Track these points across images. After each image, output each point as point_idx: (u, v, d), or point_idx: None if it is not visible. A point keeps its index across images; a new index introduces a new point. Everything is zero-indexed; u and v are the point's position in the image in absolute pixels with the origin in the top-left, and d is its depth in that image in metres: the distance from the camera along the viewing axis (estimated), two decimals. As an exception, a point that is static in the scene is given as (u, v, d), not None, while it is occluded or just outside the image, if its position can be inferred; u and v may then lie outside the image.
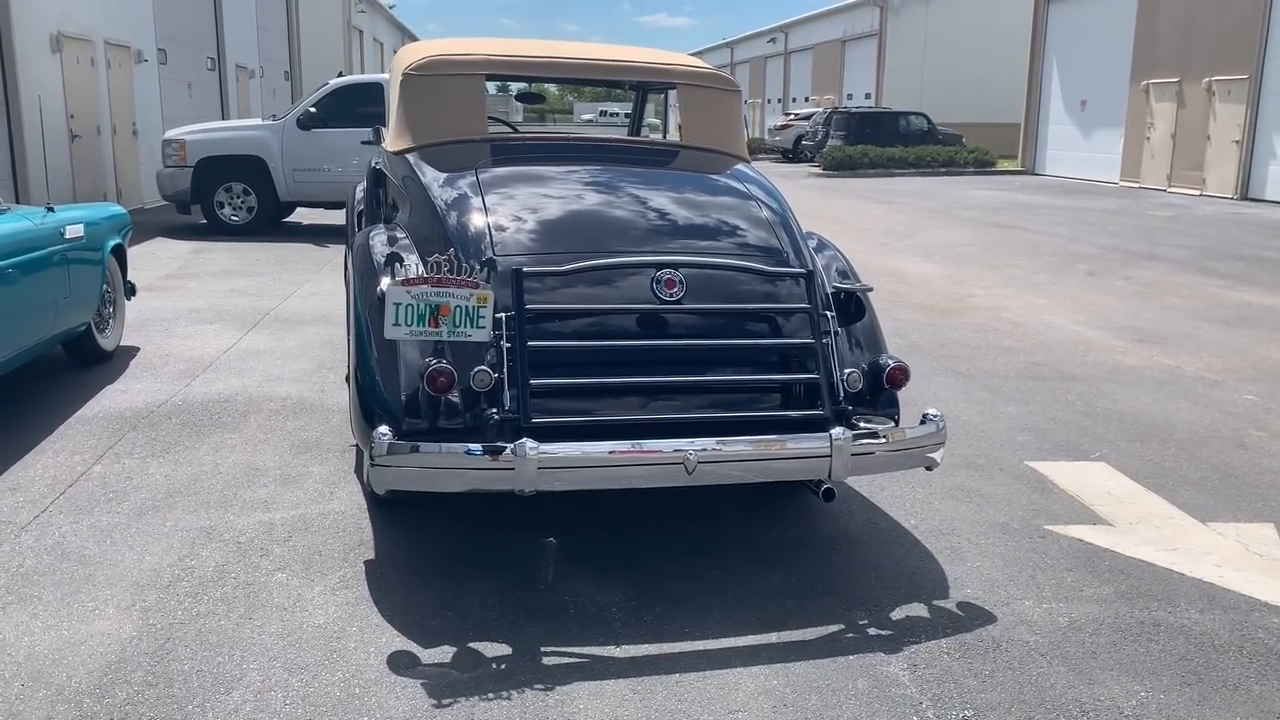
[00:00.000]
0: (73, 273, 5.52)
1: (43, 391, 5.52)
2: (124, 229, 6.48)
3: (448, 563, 3.58)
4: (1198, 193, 20.38)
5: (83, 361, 6.02)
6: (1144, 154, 22.37)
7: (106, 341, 6.18)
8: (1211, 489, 4.45)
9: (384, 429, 3.09)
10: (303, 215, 13.63)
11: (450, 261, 3.18)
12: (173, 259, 10.45)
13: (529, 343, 3.24)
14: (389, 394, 3.27)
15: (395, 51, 7.27)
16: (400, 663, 2.94)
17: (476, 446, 3.08)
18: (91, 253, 5.83)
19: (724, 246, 3.79)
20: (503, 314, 3.25)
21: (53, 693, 2.76)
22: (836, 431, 3.25)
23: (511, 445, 3.04)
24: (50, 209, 5.60)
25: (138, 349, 6.53)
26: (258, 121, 13.89)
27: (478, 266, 3.30)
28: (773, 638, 3.13)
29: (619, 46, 5.36)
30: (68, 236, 5.48)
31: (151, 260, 10.20)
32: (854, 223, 15.01)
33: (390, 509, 3.95)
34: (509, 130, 5.85)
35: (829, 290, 3.72)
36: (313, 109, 12.23)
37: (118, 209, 6.63)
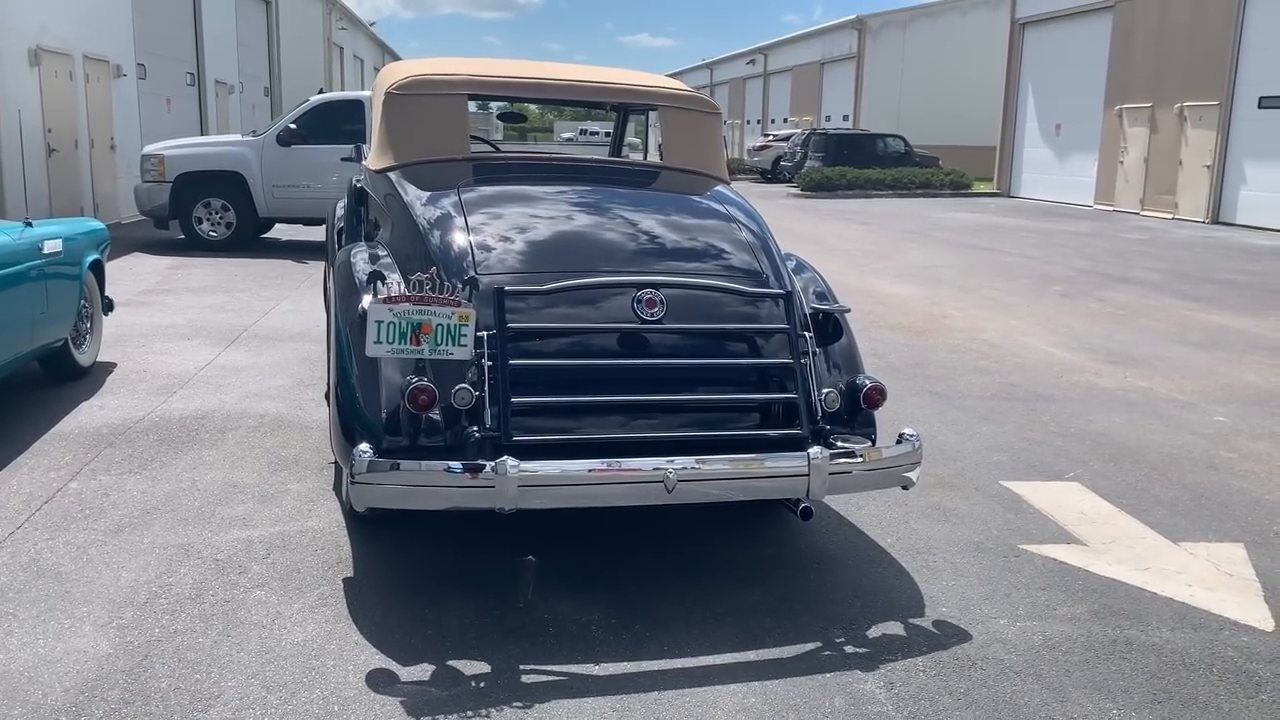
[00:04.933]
0: (50, 288, 5.49)
1: (18, 407, 5.49)
2: (102, 244, 6.46)
3: (427, 581, 3.58)
4: (1170, 216, 20.65)
5: (59, 377, 5.98)
6: (1118, 178, 22.66)
7: (83, 357, 6.15)
8: (1183, 509, 4.51)
9: (364, 446, 3.09)
10: (282, 231, 13.60)
11: (432, 280, 3.19)
12: (151, 274, 10.40)
13: (510, 361, 3.26)
14: (369, 411, 3.28)
15: (376, 69, 7.28)
16: (379, 681, 2.94)
17: (457, 464, 3.09)
18: (69, 268, 5.81)
19: (704, 267, 3.83)
20: (484, 332, 3.27)
21: (28, 710, 2.74)
22: (814, 451, 3.28)
23: (492, 463, 3.05)
24: (28, 224, 5.58)
25: (115, 365, 6.50)
26: (237, 137, 13.87)
27: (460, 285, 3.32)
28: (751, 655, 3.15)
29: (600, 68, 5.41)
30: (45, 251, 5.46)
31: (129, 276, 10.14)
32: (832, 244, 15.12)
33: (370, 527, 3.94)
34: (491, 149, 5.88)
35: (807, 311, 3.76)
36: (293, 125, 12.23)
37: (95, 224, 6.61)
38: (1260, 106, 18.89)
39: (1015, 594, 3.63)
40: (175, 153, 12.38)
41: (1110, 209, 22.56)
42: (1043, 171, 25.99)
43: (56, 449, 4.85)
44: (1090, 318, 9.32)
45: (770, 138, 37.10)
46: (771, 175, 32.96)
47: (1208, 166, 19.93)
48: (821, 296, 3.97)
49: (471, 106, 5.12)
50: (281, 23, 27.84)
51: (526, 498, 3.09)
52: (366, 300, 3.32)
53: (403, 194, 4.16)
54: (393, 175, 4.38)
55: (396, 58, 45.74)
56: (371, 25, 45.64)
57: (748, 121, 51.14)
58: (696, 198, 4.46)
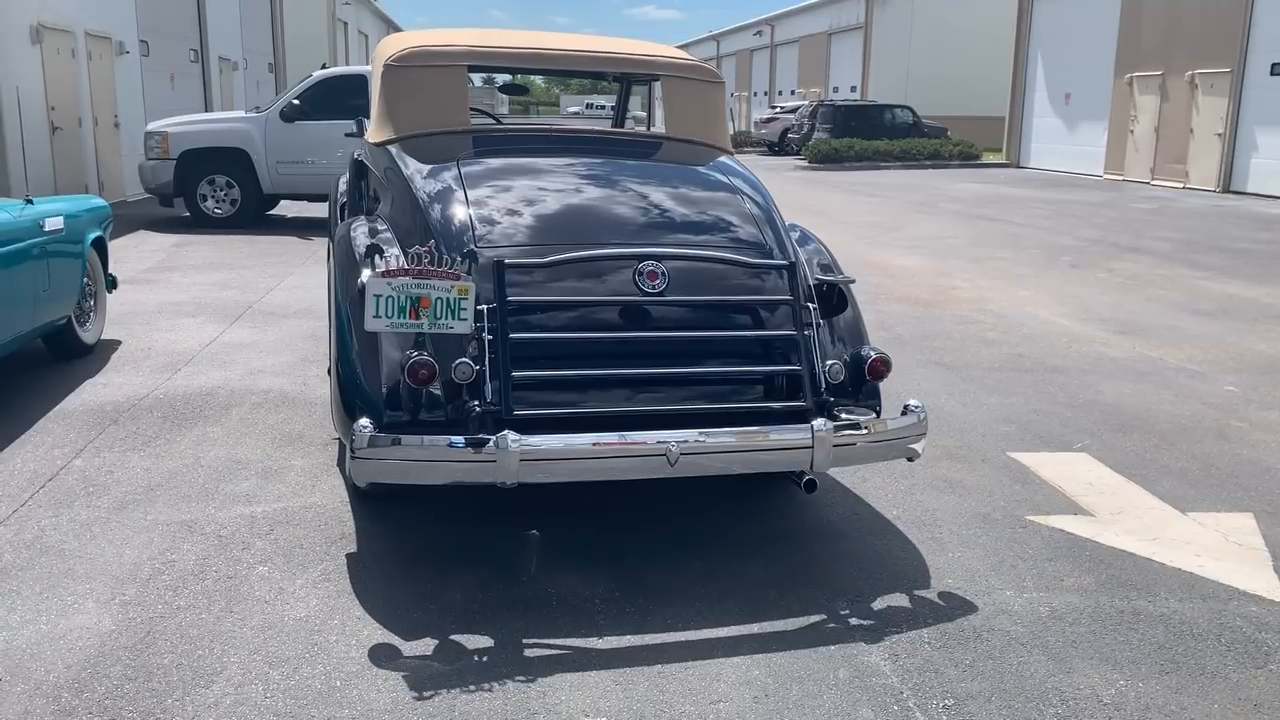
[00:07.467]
0: (52, 265, 5.48)
1: (22, 385, 5.48)
2: (105, 221, 6.44)
3: (429, 555, 3.57)
4: (1180, 185, 20.48)
5: (63, 355, 5.98)
6: (1128, 147, 22.46)
7: (87, 335, 6.14)
8: (1192, 479, 4.48)
9: (365, 421, 3.07)
10: (286, 208, 13.57)
11: (431, 253, 3.16)
12: (155, 252, 10.39)
13: (511, 335, 3.23)
14: (370, 386, 3.26)
15: (379, 43, 7.20)
16: (381, 655, 2.93)
17: (458, 439, 3.07)
18: (71, 245, 5.79)
19: (707, 239, 3.78)
20: (484, 306, 3.24)
21: (31, 687, 2.74)
22: (818, 423, 3.25)
23: (494, 438, 3.03)
24: (29, 201, 5.55)
25: (119, 342, 6.49)
26: (241, 114, 13.79)
27: (459, 258, 3.28)
28: (755, 628, 3.13)
29: (604, 38, 5.34)
30: (47, 229, 5.44)
31: (134, 253, 10.13)
32: (839, 215, 15.03)
33: (372, 502, 3.94)
34: (492, 122, 5.83)
35: (811, 282, 3.72)
36: (296, 101, 12.17)
37: (99, 201, 6.58)
38: (1272, 74, 18.68)
39: (1022, 565, 3.60)
40: (179, 130, 12.34)
41: (1120, 178, 22.38)
42: (1052, 141, 25.79)
43: (60, 427, 4.85)
44: (1099, 288, 9.25)
45: (778, 110, 36.84)
46: (779, 147, 32.75)
47: (1219, 135, 19.73)
48: (826, 268, 3.93)
49: (475, 79, 5.07)
50: (285, -2, 27.67)
51: (528, 472, 3.07)
52: (365, 274, 3.29)
53: (402, 167, 4.12)
54: (392, 148, 4.34)
55: (400, 32, 45.32)
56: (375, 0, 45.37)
57: (755, 93, 50.80)
58: (699, 169, 4.41)
